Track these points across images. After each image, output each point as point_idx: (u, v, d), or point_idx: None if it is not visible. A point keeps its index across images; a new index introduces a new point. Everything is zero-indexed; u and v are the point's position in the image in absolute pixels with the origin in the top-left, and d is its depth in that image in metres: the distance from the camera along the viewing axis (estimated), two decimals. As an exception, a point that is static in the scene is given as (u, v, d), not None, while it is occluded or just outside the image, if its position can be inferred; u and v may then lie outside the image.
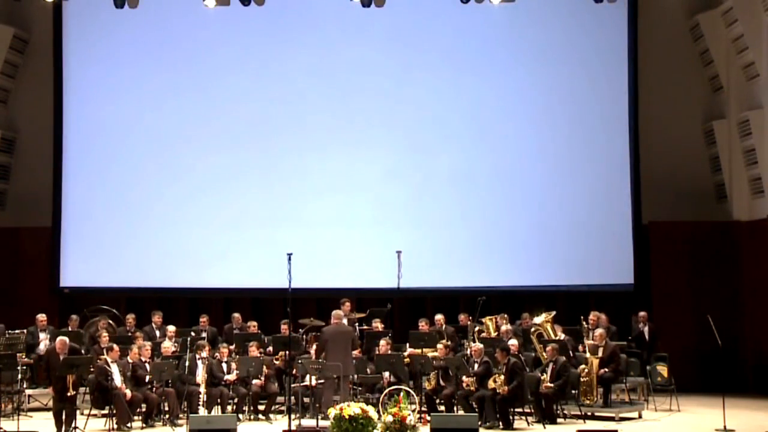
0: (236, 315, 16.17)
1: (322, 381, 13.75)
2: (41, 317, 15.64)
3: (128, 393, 13.36)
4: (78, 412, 13.32)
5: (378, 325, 15.59)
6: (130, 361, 13.77)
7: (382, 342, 14.59)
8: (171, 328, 15.39)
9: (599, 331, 14.65)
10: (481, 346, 14.03)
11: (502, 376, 13.43)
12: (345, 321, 14.44)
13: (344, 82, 17.62)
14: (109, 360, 13.55)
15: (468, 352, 14.34)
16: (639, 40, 17.53)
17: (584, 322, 15.40)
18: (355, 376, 14.28)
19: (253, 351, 14.55)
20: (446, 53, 17.63)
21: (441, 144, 17.57)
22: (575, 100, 17.48)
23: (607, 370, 14.21)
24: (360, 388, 14.45)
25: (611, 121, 17.46)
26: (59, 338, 13.64)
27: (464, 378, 13.63)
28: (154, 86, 17.80)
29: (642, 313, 16.32)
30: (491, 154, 17.53)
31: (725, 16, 17.26)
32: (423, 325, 15.43)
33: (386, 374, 14.27)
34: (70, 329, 15.57)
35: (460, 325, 15.89)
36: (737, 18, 16.93)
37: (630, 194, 17.37)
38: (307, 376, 13.88)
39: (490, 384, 13.44)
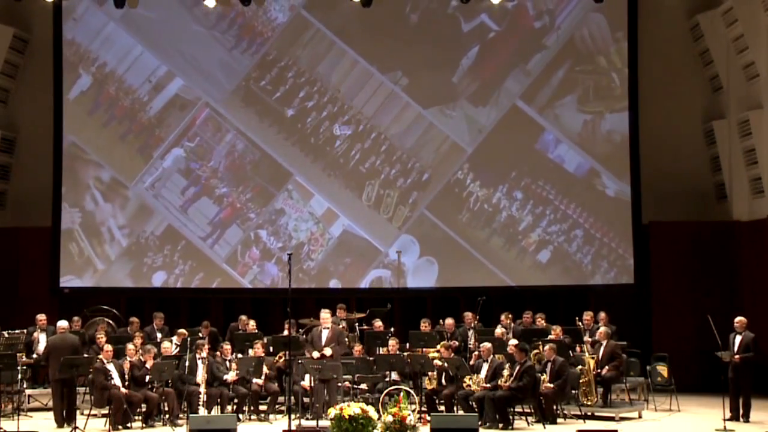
0: (243, 317, 16.03)
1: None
2: (41, 317, 15.55)
3: (124, 391, 13.37)
4: (78, 412, 13.30)
5: (379, 324, 15.58)
6: (129, 359, 13.76)
7: (391, 342, 14.57)
8: (181, 332, 15.17)
9: (603, 329, 14.61)
10: (490, 345, 14.00)
11: (479, 376, 13.49)
12: (330, 324, 14.20)
13: (345, 81, 17.62)
14: (104, 360, 13.54)
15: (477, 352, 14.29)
16: (639, 40, 17.54)
17: (579, 322, 15.39)
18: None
19: (258, 351, 14.52)
20: (446, 52, 17.63)
21: (441, 143, 17.57)
22: (575, 100, 17.50)
23: (608, 368, 14.18)
24: (359, 388, 14.45)
25: (611, 121, 17.47)
26: (60, 323, 13.52)
27: (467, 378, 13.63)
28: (154, 85, 17.80)
29: (739, 319, 14.05)
30: (491, 154, 17.54)
31: (725, 16, 17.24)
32: (425, 326, 15.45)
33: (387, 373, 14.27)
34: (71, 330, 15.52)
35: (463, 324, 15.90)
36: (737, 18, 16.91)
37: (630, 194, 17.39)
38: (306, 377, 13.90)
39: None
